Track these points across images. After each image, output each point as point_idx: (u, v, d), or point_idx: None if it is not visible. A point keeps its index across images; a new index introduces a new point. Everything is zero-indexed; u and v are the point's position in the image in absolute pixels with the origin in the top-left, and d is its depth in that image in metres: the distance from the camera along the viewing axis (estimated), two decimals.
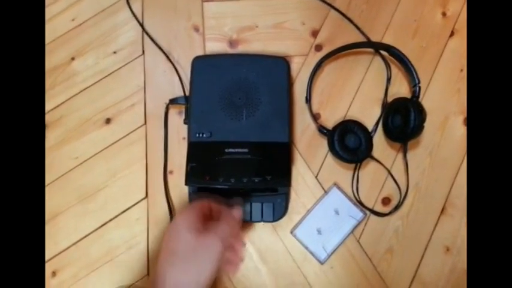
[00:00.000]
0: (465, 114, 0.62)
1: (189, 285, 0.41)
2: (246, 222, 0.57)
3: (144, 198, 0.61)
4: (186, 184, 0.54)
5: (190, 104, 0.58)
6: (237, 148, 0.55)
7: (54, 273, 0.58)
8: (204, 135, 0.56)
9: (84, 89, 0.65)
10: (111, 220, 0.60)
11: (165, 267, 0.42)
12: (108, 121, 0.64)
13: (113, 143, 0.63)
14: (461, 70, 0.63)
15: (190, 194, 0.57)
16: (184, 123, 0.59)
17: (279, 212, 0.57)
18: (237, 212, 0.49)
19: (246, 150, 0.55)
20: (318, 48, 0.65)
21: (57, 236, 0.59)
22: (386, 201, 0.59)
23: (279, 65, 0.60)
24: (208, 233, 0.43)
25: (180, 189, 0.60)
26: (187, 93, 0.61)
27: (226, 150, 0.55)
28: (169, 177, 0.61)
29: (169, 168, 0.61)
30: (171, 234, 0.44)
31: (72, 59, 0.66)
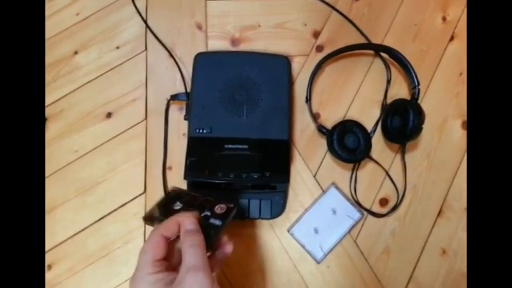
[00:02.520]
0: (464, 118, 0.62)
1: None
2: (244, 220, 0.57)
3: (142, 193, 0.61)
4: (184, 178, 0.54)
5: (191, 98, 0.59)
6: (237, 144, 0.55)
7: (49, 267, 0.58)
8: (204, 131, 0.57)
9: (86, 83, 0.65)
10: (108, 214, 0.60)
11: None
12: (109, 115, 0.64)
13: (113, 137, 0.63)
14: (461, 74, 0.64)
15: (188, 187, 0.57)
16: (185, 119, 0.59)
17: (276, 209, 0.57)
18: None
19: (245, 146, 0.55)
20: (319, 49, 0.66)
21: (54, 228, 0.59)
22: (383, 202, 0.60)
23: (280, 64, 0.60)
24: None
25: (178, 185, 0.59)
26: (188, 90, 0.61)
27: (226, 146, 0.55)
28: (168, 173, 0.61)
29: (168, 164, 0.61)
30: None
31: (75, 52, 0.67)
